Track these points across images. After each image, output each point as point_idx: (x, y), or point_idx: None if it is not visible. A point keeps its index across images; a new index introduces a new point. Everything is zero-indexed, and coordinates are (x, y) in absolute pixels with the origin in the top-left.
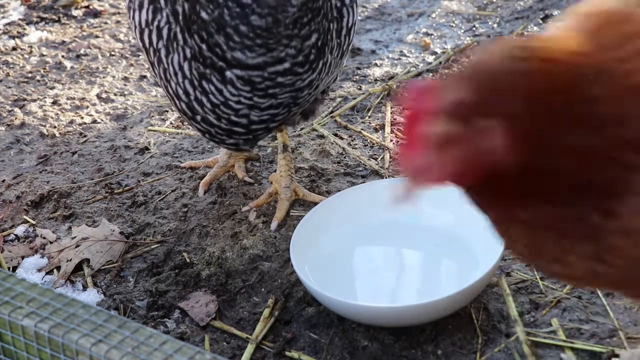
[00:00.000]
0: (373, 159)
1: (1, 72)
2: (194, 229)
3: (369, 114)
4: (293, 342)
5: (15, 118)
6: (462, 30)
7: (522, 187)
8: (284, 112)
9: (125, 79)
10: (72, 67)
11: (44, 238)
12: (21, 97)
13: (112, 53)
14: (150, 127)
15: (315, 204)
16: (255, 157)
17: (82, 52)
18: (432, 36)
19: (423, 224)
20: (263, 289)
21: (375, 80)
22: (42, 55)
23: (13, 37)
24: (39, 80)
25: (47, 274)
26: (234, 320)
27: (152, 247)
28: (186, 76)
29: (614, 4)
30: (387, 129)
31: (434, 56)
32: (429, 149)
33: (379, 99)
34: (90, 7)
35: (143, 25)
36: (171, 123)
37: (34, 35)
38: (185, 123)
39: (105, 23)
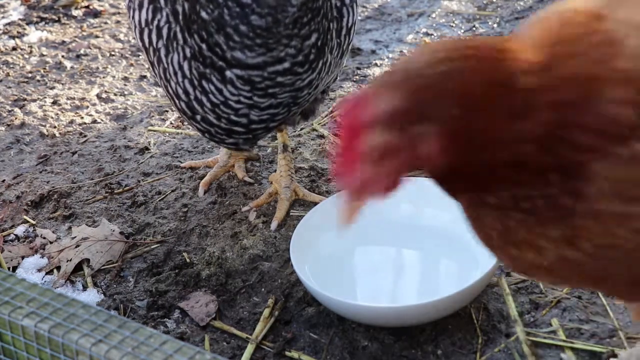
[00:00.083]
0: None
1: (1, 72)
2: (194, 229)
3: None
4: (293, 342)
5: (15, 118)
6: (462, 30)
7: (479, 178)
8: (283, 111)
9: (125, 79)
10: (72, 67)
11: (44, 238)
12: (21, 97)
13: (112, 53)
14: (150, 127)
15: (315, 204)
16: (255, 157)
17: (82, 52)
18: (432, 36)
19: (423, 224)
20: (263, 289)
21: None
22: (42, 55)
23: (13, 37)
24: (39, 80)
25: (47, 274)
26: (234, 320)
27: (152, 247)
28: (186, 76)
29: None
30: None
31: None
32: (368, 162)
33: None
34: (90, 7)
35: (143, 24)
36: (171, 123)
37: (34, 35)
38: (185, 123)
39: (105, 23)
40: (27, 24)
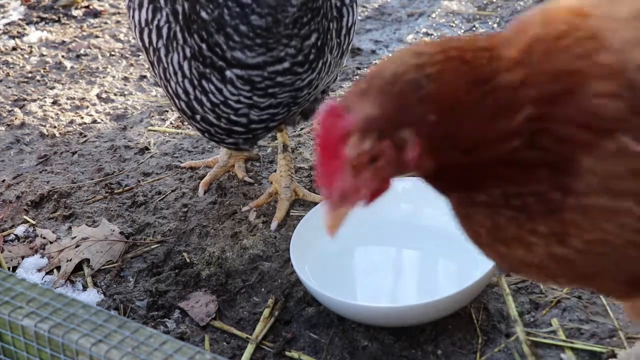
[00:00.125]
0: None
1: (1, 72)
2: (194, 229)
3: None
4: (293, 342)
5: (15, 118)
6: (462, 30)
7: (467, 177)
8: (283, 111)
9: (125, 79)
10: (72, 67)
11: (44, 238)
12: (21, 97)
13: (112, 53)
14: (150, 127)
15: (315, 204)
16: (255, 157)
17: (82, 52)
18: (432, 36)
19: (423, 223)
20: (263, 289)
21: None
22: (42, 55)
23: (13, 37)
24: (39, 80)
25: (47, 274)
26: (234, 320)
27: (152, 247)
28: (186, 75)
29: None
30: None
31: None
32: (347, 172)
33: None
34: (90, 7)
35: (143, 24)
36: (171, 123)
37: (34, 35)
38: (185, 123)
39: (105, 23)
40: (27, 24)
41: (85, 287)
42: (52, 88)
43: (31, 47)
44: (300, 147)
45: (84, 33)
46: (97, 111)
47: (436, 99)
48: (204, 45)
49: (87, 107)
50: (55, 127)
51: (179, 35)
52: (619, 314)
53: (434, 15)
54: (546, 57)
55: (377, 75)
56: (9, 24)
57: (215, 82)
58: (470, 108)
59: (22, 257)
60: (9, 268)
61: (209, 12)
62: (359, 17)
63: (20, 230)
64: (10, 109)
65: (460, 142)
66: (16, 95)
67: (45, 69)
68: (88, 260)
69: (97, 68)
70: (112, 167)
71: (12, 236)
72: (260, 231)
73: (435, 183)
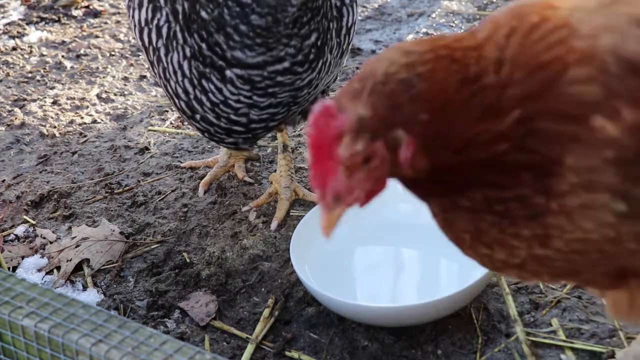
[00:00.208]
0: None
1: (1, 72)
2: (194, 229)
3: None
4: (293, 342)
5: (15, 118)
6: (462, 30)
7: (454, 181)
8: (283, 111)
9: (125, 79)
10: (72, 67)
11: (44, 238)
12: (21, 97)
13: (112, 53)
14: (150, 127)
15: (315, 204)
16: (255, 157)
17: (82, 52)
18: (432, 36)
19: (423, 223)
20: (263, 289)
21: None
22: (42, 55)
23: (13, 37)
24: (39, 80)
25: (47, 274)
26: (234, 320)
27: (152, 247)
28: (186, 75)
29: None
30: None
31: None
32: (342, 172)
33: None
34: (90, 7)
35: (142, 24)
36: (171, 123)
37: (34, 35)
38: (185, 123)
39: (105, 23)
40: (27, 24)
41: (85, 287)
42: (52, 88)
43: (31, 47)
44: (300, 147)
45: (84, 33)
46: (97, 111)
47: (427, 98)
48: (203, 45)
49: (87, 107)
50: (55, 127)
51: (179, 35)
52: None
53: (434, 15)
54: (522, 51)
55: (369, 75)
56: (9, 24)
57: (215, 82)
58: (461, 107)
59: (22, 257)
60: (9, 268)
61: (209, 12)
62: (359, 17)
63: (20, 230)
64: (10, 109)
65: (451, 142)
66: (16, 95)
67: (45, 69)
68: (88, 260)
69: (97, 68)
70: (112, 167)
71: (12, 236)
72: (260, 231)
73: (419, 188)
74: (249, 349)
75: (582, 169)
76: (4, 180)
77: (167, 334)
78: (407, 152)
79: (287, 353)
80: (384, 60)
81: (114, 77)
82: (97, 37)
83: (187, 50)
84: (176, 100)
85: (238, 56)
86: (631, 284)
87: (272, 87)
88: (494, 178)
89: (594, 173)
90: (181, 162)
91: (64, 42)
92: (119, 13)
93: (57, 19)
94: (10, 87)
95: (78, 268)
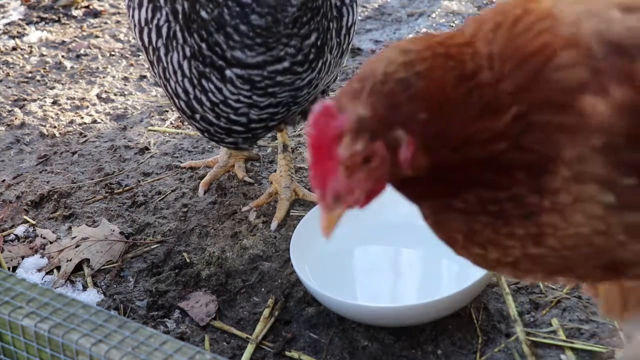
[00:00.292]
0: None
1: (1, 72)
2: (194, 229)
3: None
4: (293, 342)
5: (15, 118)
6: None
7: (450, 182)
8: (283, 111)
9: (125, 79)
10: (72, 67)
11: (44, 238)
12: (21, 97)
13: (112, 53)
14: (150, 127)
15: (315, 204)
16: (255, 157)
17: (82, 52)
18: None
19: (423, 224)
20: (263, 289)
21: None
22: (42, 55)
23: (13, 37)
24: (39, 80)
25: (47, 274)
26: (234, 320)
27: (152, 247)
28: (185, 75)
29: None
30: None
31: None
32: (342, 172)
33: None
34: (90, 7)
35: (142, 23)
36: (171, 123)
37: (34, 35)
38: (185, 123)
39: (105, 23)
40: (27, 24)
41: (85, 287)
42: (52, 88)
43: (31, 47)
44: (300, 147)
45: (84, 33)
46: (97, 111)
47: (425, 96)
48: (203, 45)
49: (87, 107)
50: (55, 127)
51: (179, 35)
52: None
53: (434, 15)
54: (508, 44)
55: (369, 74)
56: (9, 24)
57: (215, 82)
58: (459, 105)
59: (22, 257)
60: (9, 268)
61: (209, 12)
62: (359, 17)
63: (20, 230)
64: (10, 109)
65: (450, 141)
66: (16, 95)
67: (45, 69)
68: (88, 260)
69: (97, 68)
70: (112, 167)
71: (12, 236)
72: (260, 231)
73: (414, 189)
74: (249, 349)
75: (572, 160)
76: (4, 180)
77: (167, 334)
78: (407, 151)
79: (287, 353)
80: (383, 60)
81: (114, 77)
82: (97, 37)
83: (187, 50)
84: (176, 100)
85: (238, 56)
86: (622, 277)
87: (272, 87)
88: (492, 178)
89: (583, 163)
90: (181, 162)
91: (64, 42)
92: (119, 13)
93: (57, 19)
94: (10, 87)
95: (78, 268)
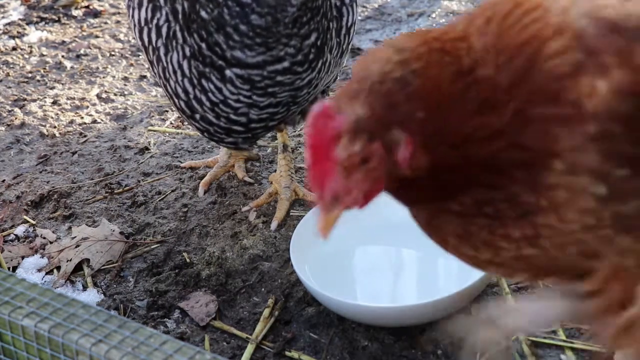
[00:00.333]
0: None
1: (1, 72)
2: (194, 229)
3: None
4: (293, 342)
5: (15, 118)
6: None
7: (448, 184)
8: (283, 111)
9: (125, 79)
10: (72, 67)
11: (44, 238)
12: (21, 97)
13: (112, 53)
14: (150, 127)
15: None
16: (255, 157)
17: (82, 52)
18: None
19: None
20: (263, 289)
21: None
22: (42, 55)
23: (13, 37)
24: (39, 80)
25: (47, 274)
26: (234, 320)
27: (152, 247)
28: (185, 75)
29: None
30: None
31: None
32: (340, 173)
33: None
34: (90, 7)
35: (142, 23)
36: (171, 123)
37: (34, 35)
38: (185, 123)
39: (105, 23)
40: (27, 24)
41: (85, 287)
42: (52, 88)
43: (31, 47)
44: (300, 147)
45: (84, 33)
46: (97, 111)
47: (422, 94)
48: (203, 45)
49: (87, 107)
50: (55, 127)
51: (179, 35)
52: None
53: (434, 15)
54: (499, 37)
55: (367, 74)
56: (9, 24)
57: (215, 82)
58: (456, 101)
59: (22, 257)
60: (9, 268)
61: (209, 12)
62: (359, 17)
63: (20, 230)
64: (10, 109)
65: (449, 138)
66: (16, 95)
67: (45, 69)
68: (88, 260)
69: (97, 68)
70: (112, 167)
71: (12, 236)
72: (260, 231)
73: (411, 192)
74: (249, 349)
75: (566, 151)
76: (4, 180)
77: (167, 334)
78: (405, 151)
79: (287, 353)
80: (380, 59)
81: (114, 77)
82: (97, 37)
83: (187, 49)
84: (176, 100)
85: (238, 56)
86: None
87: (272, 86)
88: (490, 177)
89: (576, 154)
90: (181, 162)
91: (64, 42)
92: (119, 13)
93: (57, 19)
94: (10, 87)
95: (78, 268)
